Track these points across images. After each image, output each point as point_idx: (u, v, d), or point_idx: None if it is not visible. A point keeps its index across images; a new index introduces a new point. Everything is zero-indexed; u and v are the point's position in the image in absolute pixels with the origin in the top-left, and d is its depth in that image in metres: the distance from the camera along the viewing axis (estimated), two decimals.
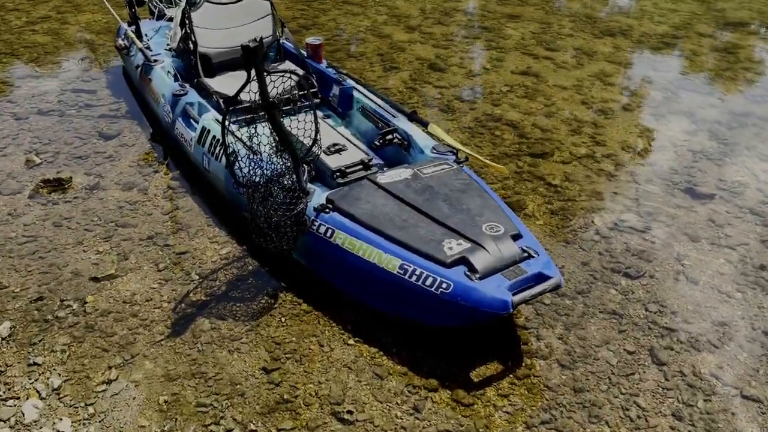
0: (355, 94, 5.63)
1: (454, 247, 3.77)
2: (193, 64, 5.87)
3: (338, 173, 4.66)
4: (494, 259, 3.71)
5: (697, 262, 4.64)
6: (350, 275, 4.02)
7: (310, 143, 4.19)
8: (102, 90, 6.96)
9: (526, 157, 5.85)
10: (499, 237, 3.84)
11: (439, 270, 3.67)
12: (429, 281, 3.66)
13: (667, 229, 4.97)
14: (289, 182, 4.12)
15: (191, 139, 5.23)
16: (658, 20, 9.47)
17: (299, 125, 4.19)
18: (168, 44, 6.42)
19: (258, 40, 3.37)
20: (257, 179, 4.03)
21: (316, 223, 4.12)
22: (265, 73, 3.58)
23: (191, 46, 5.87)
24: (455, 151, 4.78)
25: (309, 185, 4.34)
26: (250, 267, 4.51)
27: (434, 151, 4.82)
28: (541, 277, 3.67)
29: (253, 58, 3.40)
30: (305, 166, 4.31)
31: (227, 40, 6.00)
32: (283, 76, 3.80)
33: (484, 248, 3.75)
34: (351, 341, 3.96)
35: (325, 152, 4.86)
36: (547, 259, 3.79)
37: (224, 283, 4.37)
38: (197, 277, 4.40)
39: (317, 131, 4.45)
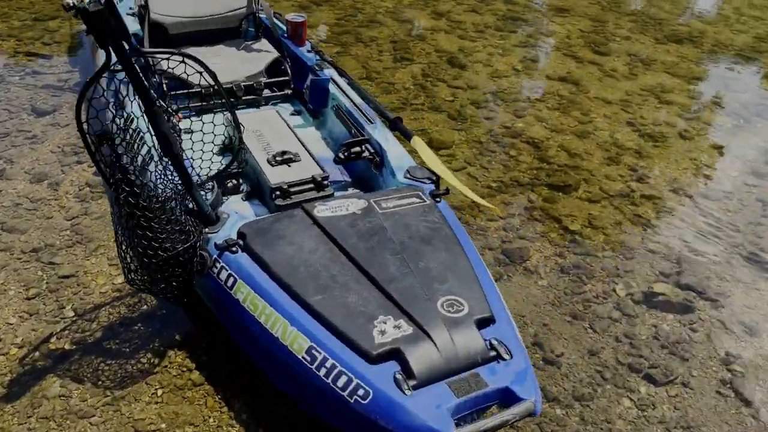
0: (332, 88, 4.44)
1: (388, 330, 2.59)
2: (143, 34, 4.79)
3: (278, 192, 3.51)
4: (443, 358, 2.52)
5: (754, 369, 3.33)
6: (251, 343, 2.88)
7: (223, 151, 3.06)
8: (60, 56, 5.96)
9: (542, 189, 4.58)
10: (459, 321, 2.64)
11: (359, 366, 2.50)
12: (341, 381, 2.49)
13: (717, 313, 3.65)
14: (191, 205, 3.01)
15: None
16: (737, 28, 7.93)
17: (214, 129, 3.06)
18: (131, 7, 5.36)
19: (104, 1, 2.22)
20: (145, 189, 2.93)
21: (218, 265, 2.99)
22: (128, 50, 2.45)
23: (142, 11, 4.80)
24: (435, 178, 3.57)
25: (226, 209, 3.21)
26: (145, 306, 3.42)
27: (408, 176, 3.61)
28: (507, 397, 2.46)
29: (95, 25, 2.26)
30: (212, 184, 3.18)
31: (190, 8, 4.90)
32: (169, 58, 2.65)
33: (431, 339, 2.56)
34: None
35: (270, 162, 3.71)
36: (525, 367, 2.56)
37: (103, 326, 3.29)
38: (71, 314, 3.34)
39: (239, 137, 3.31)
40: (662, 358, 3.35)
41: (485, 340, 2.63)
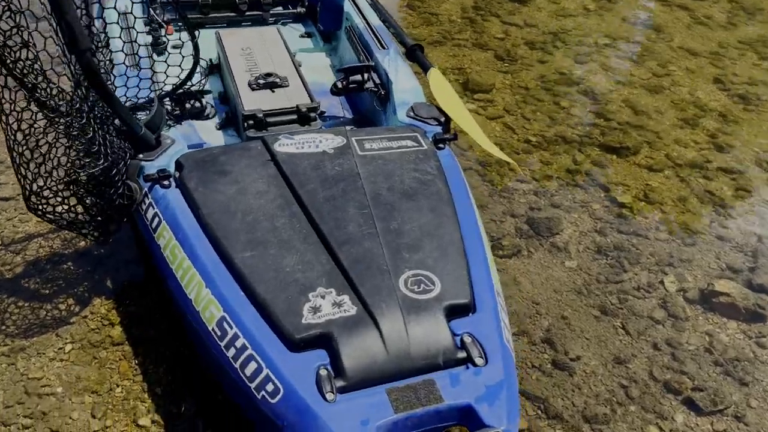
0: (347, 6, 3.71)
1: (324, 307, 1.93)
2: None
3: (251, 121, 2.85)
4: (388, 354, 1.85)
5: None
6: (171, 299, 2.29)
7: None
8: None
9: (592, 149, 3.74)
10: (422, 306, 1.95)
11: (275, 352, 1.86)
12: (250, 368, 1.86)
13: None
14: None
15: None
16: None
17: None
18: None
19: None
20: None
21: (146, 201, 2.40)
22: None
23: None
24: (444, 120, 2.83)
25: (178, 135, 2.61)
26: (83, 243, 2.89)
27: (411, 114, 2.88)
28: (468, 419, 1.78)
29: None
30: (155, 103, 2.56)
31: None
32: None
33: (377, 326, 1.89)
34: (145, 420, 2.27)
35: (250, 85, 3.05)
36: (502, 379, 1.85)
37: (28, 261, 2.79)
38: None
39: (196, 48, 2.67)
40: (713, 379, 2.55)
41: (455, 335, 1.93)
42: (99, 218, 2.47)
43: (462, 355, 1.89)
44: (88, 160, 2.31)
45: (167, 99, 2.80)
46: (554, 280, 2.95)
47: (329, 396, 1.75)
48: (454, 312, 1.98)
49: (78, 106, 2.34)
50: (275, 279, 2.01)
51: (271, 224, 2.19)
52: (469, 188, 2.53)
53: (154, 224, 2.33)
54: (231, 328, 1.93)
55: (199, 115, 3.01)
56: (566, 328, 2.73)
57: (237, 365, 1.89)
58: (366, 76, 3.15)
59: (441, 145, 2.67)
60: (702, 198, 3.45)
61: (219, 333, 1.96)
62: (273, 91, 3.05)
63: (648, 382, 2.53)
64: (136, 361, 2.45)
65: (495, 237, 3.13)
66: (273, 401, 1.79)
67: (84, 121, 2.30)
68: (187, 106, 2.89)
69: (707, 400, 2.47)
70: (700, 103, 4.22)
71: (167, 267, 2.22)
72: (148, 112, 2.54)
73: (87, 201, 2.41)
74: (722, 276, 2.99)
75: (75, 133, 2.31)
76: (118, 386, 2.36)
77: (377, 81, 3.13)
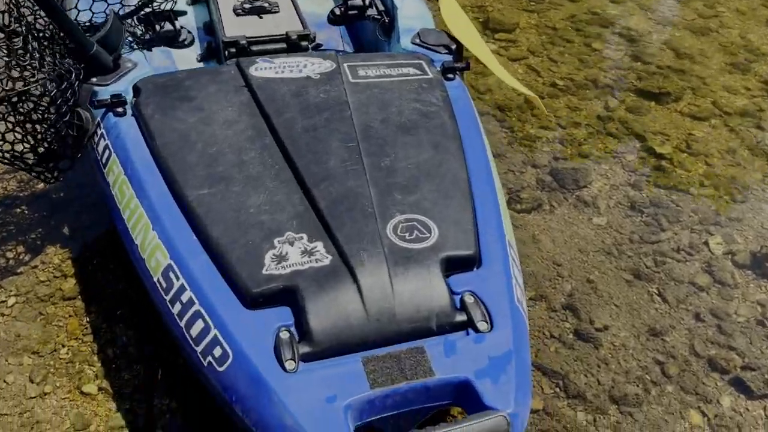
0: None
1: (291, 256, 1.56)
2: None
3: (232, 48, 2.46)
4: (367, 314, 1.47)
5: None
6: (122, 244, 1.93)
7: None
8: None
9: (627, 95, 3.29)
10: (413, 256, 1.57)
11: (227, 309, 1.50)
12: (196, 328, 1.51)
13: None
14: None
15: None
16: None
17: None
18: None
19: None
20: None
21: (99, 131, 2.04)
22: None
23: None
24: (454, 47, 2.42)
25: (142, 60, 2.24)
26: (41, 185, 2.55)
27: (417, 41, 2.46)
28: (465, 399, 1.40)
29: None
30: (110, 19, 2.18)
31: None
32: None
33: (355, 279, 1.51)
34: (91, 386, 1.94)
35: (235, 10, 2.65)
36: (509, 350, 1.46)
37: None
38: None
39: None
40: (766, 356, 2.14)
41: (453, 293, 1.55)
42: (48, 154, 2.12)
43: (461, 318, 1.51)
44: (32, 79, 1.95)
45: (133, 19, 2.41)
46: (579, 238, 2.54)
47: (288, 364, 1.38)
48: (453, 265, 1.60)
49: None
50: (235, 221, 1.64)
51: (237, 158, 1.82)
52: (483, 129, 2.12)
53: (104, 158, 1.97)
54: (177, 278, 1.58)
55: (174, 41, 2.61)
56: (592, 293, 2.33)
57: (182, 324, 1.53)
58: (368, 1, 2.73)
59: (450, 75, 2.26)
60: (754, 150, 2.99)
61: (164, 284, 1.60)
62: (260, 17, 2.65)
63: (689, 359, 2.13)
64: (88, 319, 2.11)
65: (513, 189, 2.72)
66: (220, 369, 1.43)
67: (23, 32, 1.94)
68: (158, 28, 2.50)
69: (760, 380, 2.06)
70: (753, 47, 3.72)
71: (116, 207, 1.87)
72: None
73: (35, 132, 2.06)
74: None
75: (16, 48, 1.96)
76: (63, 347, 2.03)
77: (380, 7, 2.71)
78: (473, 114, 2.16)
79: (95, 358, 2.01)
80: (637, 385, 2.06)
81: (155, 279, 1.63)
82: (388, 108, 2.01)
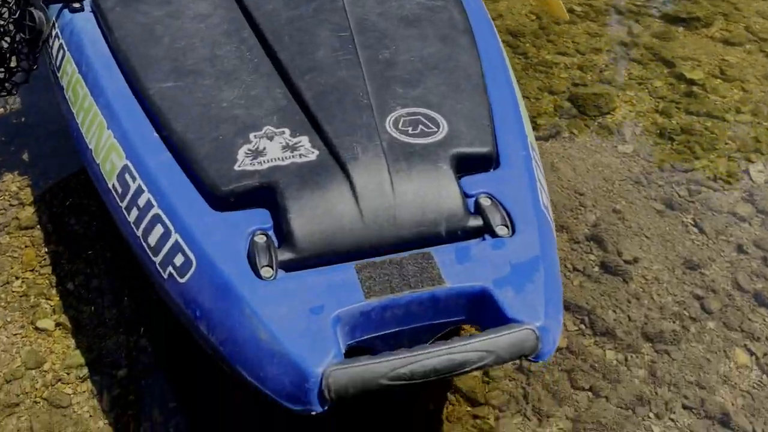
0: None
1: (268, 151, 1.29)
2: None
3: None
4: (361, 216, 1.20)
5: None
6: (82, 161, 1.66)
7: None
8: None
9: (652, 20, 2.99)
10: (418, 152, 1.30)
11: (191, 210, 1.23)
12: (155, 235, 1.24)
13: None
14: None
15: None
16: None
17: None
18: None
19: None
20: None
21: (54, 32, 1.76)
22: None
23: None
24: None
25: None
26: (0, 109, 2.29)
27: None
28: (482, 313, 1.13)
29: None
30: None
31: None
32: None
33: (348, 176, 1.24)
34: (47, 322, 1.69)
35: None
36: (536, 255, 1.19)
37: None
38: None
39: None
40: None
41: (467, 196, 1.28)
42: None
43: (476, 222, 1.24)
44: None
45: None
46: (604, 167, 2.26)
47: (265, 271, 1.12)
48: (466, 165, 1.33)
49: None
50: (204, 115, 1.37)
51: (210, 52, 1.54)
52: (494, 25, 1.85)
53: (58, 60, 1.70)
54: (134, 179, 1.31)
55: None
56: (619, 223, 2.06)
57: (140, 233, 1.27)
58: None
59: None
60: None
61: (120, 189, 1.34)
62: None
63: (732, 293, 1.87)
64: (47, 250, 1.85)
65: (529, 116, 2.44)
66: (182, 280, 1.17)
67: None
68: None
69: None
70: None
71: (69, 112, 1.60)
72: None
73: None
74: None
75: None
76: (17, 279, 1.78)
77: None
78: (483, 10, 1.88)
79: (53, 291, 1.75)
80: (674, 322, 1.80)
81: (110, 185, 1.37)
82: (386, 1, 1.73)
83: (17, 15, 1.77)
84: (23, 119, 2.25)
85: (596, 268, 1.93)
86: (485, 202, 1.27)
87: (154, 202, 1.25)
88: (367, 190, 1.22)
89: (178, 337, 1.51)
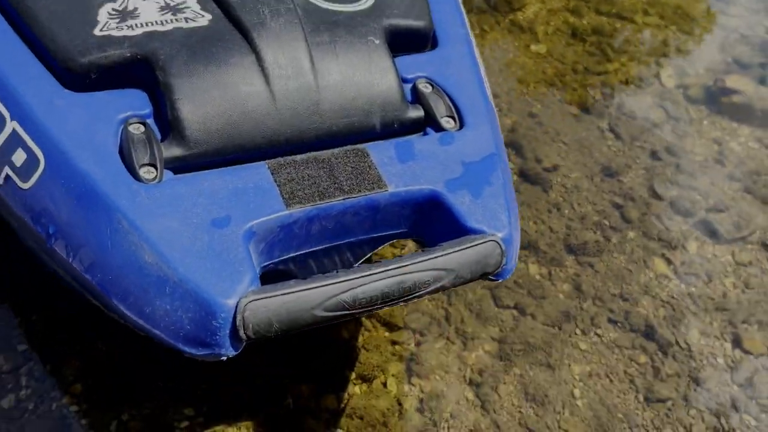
0: None
1: (141, 13, 0.95)
2: None
3: None
4: (274, 102, 0.92)
5: None
6: None
7: None
8: None
9: None
10: (343, 22, 1.02)
11: (34, 91, 0.88)
12: None
13: None
14: None
15: None
16: None
17: None
18: None
19: None
20: None
21: None
22: None
23: None
24: None
25: None
26: None
27: None
28: (432, 222, 0.92)
29: None
30: None
31: None
32: None
33: (253, 48, 0.94)
34: None
35: None
36: (493, 153, 0.98)
37: None
38: None
39: None
40: (730, 198, 1.85)
41: (404, 80, 1.03)
42: None
43: (417, 113, 1.01)
44: None
45: None
46: (517, 67, 2.09)
47: (146, 172, 0.82)
48: (400, 41, 1.07)
49: None
50: None
51: None
52: None
53: None
54: None
55: None
56: (537, 128, 1.91)
57: None
58: None
59: None
60: None
61: None
62: None
63: (649, 201, 1.80)
64: None
65: None
66: (25, 185, 0.84)
67: None
68: None
69: (731, 224, 1.77)
70: None
71: None
72: None
73: None
74: (730, 71, 2.24)
75: None
76: None
77: None
78: None
79: None
80: (596, 232, 1.70)
81: None
82: None
83: None
84: None
85: (516, 177, 1.77)
86: (425, 88, 1.03)
87: None
88: (279, 67, 0.93)
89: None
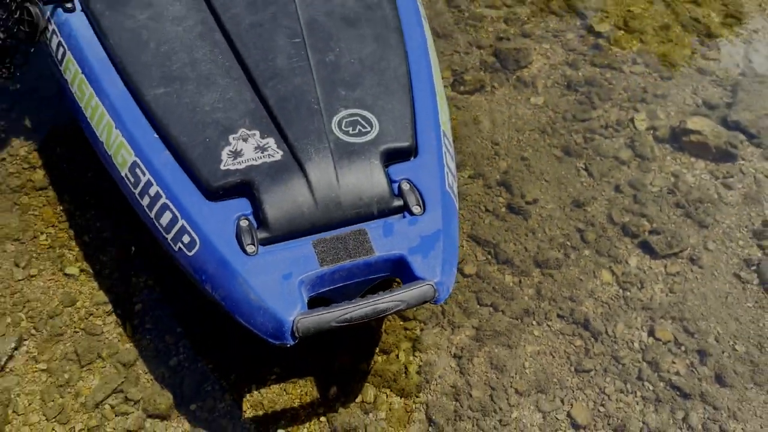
0: None
1: (245, 152, 1.74)
2: None
3: None
4: (316, 203, 1.69)
5: None
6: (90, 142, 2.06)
7: None
8: None
9: None
10: (357, 150, 1.77)
11: (191, 201, 1.69)
12: (166, 218, 1.71)
13: (766, 167, 2.65)
14: None
15: None
16: None
17: None
18: None
19: None
20: None
21: (50, 28, 2.10)
22: None
23: None
24: None
25: None
26: None
27: None
28: (400, 272, 1.66)
29: None
30: None
31: None
32: None
33: (305, 172, 1.70)
34: (73, 269, 2.15)
35: None
36: (437, 230, 1.70)
37: None
38: None
39: None
40: (672, 221, 2.44)
41: (392, 181, 1.76)
42: (1, 50, 2.18)
43: (398, 203, 1.74)
44: None
45: None
46: (517, 118, 2.74)
47: (249, 248, 1.61)
48: (393, 156, 1.80)
49: None
50: (192, 119, 1.79)
51: (189, 56, 1.92)
52: (425, 15, 2.24)
53: (59, 55, 2.05)
54: (144, 174, 1.75)
55: None
56: (525, 170, 2.57)
57: (152, 215, 1.73)
58: None
59: None
60: (687, 26, 3.14)
61: (132, 179, 1.78)
62: None
63: (605, 226, 2.43)
64: (62, 207, 2.28)
65: (458, 71, 2.87)
66: (190, 254, 1.65)
67: None
68: None
69: (664, 243, 2.38)
70: None
71: (76, 104, 1.98)
72: None
73: None
74: (697, 113, 2.78)
75: None
76: (42, 234, 2.22)
77: None
78: (415, 3, 2.26)
79: (73, 243, 2.21)
80: (559, 251, 2.36)
81: (123, 174, 1.80)
82: (331, 0, 2.10)
83: (18, 12, 2.09)
84: (19, 86, 2.58)
85: (503, 209, 2.45)
86: (405, 186, 1.75)
87: (162, 194, 1.70)
88: (319, 183, 1.69)
89: (178, 278, 2.00)
